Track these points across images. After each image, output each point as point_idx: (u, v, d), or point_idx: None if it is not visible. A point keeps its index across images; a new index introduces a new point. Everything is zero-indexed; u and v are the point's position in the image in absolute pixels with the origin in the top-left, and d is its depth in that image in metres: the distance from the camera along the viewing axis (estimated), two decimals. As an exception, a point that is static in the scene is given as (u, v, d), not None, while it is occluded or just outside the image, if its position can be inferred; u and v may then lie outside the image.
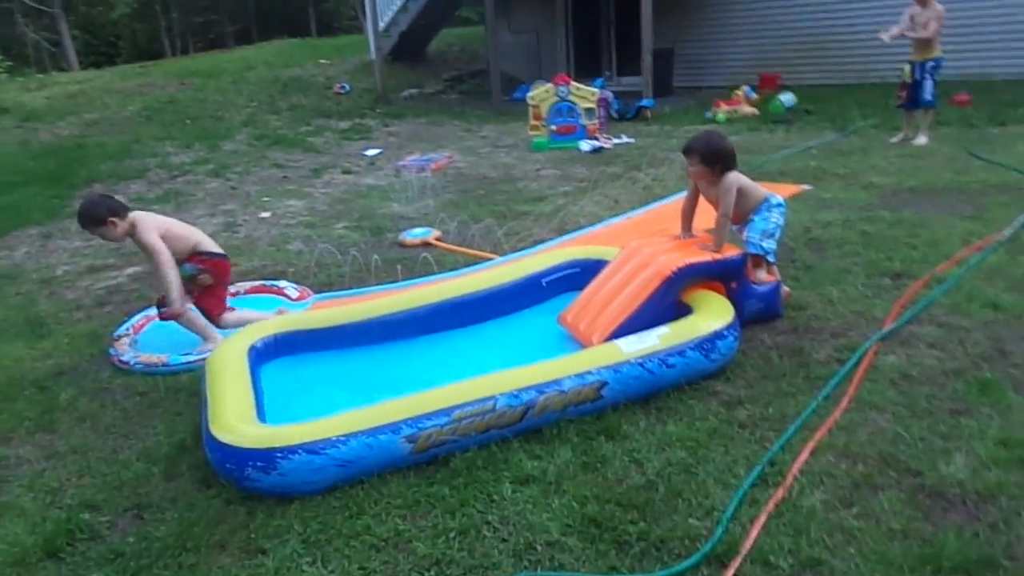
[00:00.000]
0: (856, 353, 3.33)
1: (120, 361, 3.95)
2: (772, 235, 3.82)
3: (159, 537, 2.53)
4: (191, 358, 3.86)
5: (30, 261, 6.24)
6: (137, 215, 4.02)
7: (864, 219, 5.27)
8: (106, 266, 5.93)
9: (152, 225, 3.98)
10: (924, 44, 7.49)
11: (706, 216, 3.89)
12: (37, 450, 3.21)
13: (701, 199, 3.94)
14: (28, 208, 7.99)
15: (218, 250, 4.17)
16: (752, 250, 3.76)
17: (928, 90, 7.60)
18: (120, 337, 4.22)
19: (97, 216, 3.92)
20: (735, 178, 3.76)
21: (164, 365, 3.86)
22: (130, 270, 5.76)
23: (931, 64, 7.54)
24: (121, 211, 3.95)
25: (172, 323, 4.13)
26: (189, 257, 4.07)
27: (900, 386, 3.08)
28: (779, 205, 3.89)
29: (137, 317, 4.51)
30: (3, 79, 16.23)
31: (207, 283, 4.12)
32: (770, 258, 3.84)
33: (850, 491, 2.46)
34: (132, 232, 3.97)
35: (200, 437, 3.01)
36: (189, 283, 4.08)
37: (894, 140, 8.06)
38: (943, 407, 2.90)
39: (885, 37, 7.52)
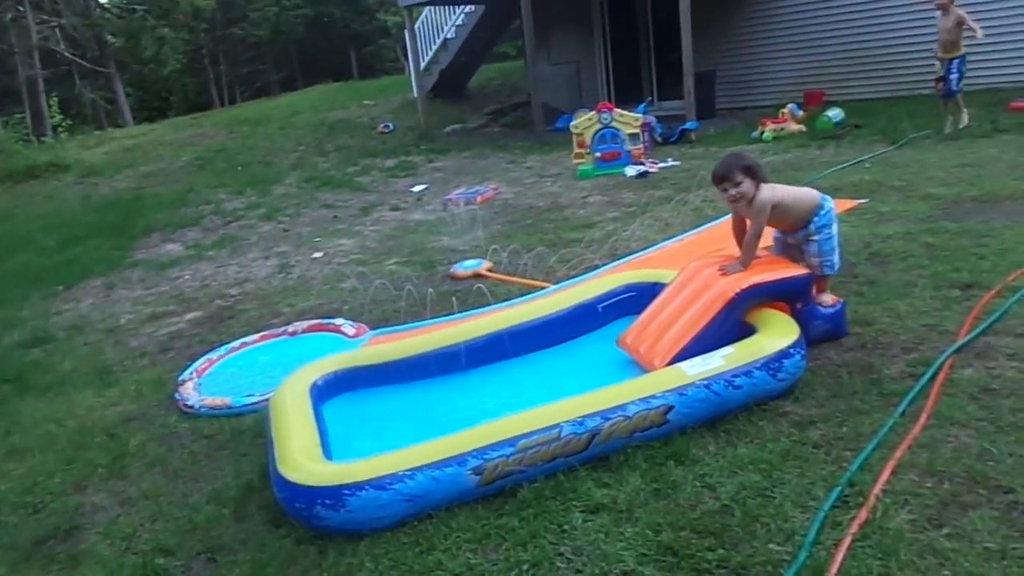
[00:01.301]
0: (931, 367, 3.20)
1: (185, 405, 4.02)
2: (835, 249, 3.68)
3: (232, 579, 2.54)
4: (254, 399, 3.90)
5: (95, 311, 6.41)
6: None
7: (926, 231, 5.11)
8: (167, 313, 6.06)
9: None
10: (950, 44, 8.56)
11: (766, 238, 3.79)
12: (111, 497, 3.27)
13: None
14: (91, 260, 8.26)
15: None
16: (826, 272, 3.64)
17: (954, 82, 8.64)
18: (184, 381, 4.30)
19: None
20: (768, 196, 3.54)
21: (228, 407, 3.91)
22: (190, 315, 5.89)
23: (957, 61, 8.58)
24: None
25: (234, 365, 4.20)
26: None
27: (981, 400, 2.95)
28: (828, 212, 3.64)
29: (200, 361, 4.59)
30: (64, 138, 16.86)
31: None
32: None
33: (938, 510, 2.35)
34: None
35: (267, 477, 3.02)
36: None
37: (947, 131, 8.80)
38: (1030, 420, 2.77)
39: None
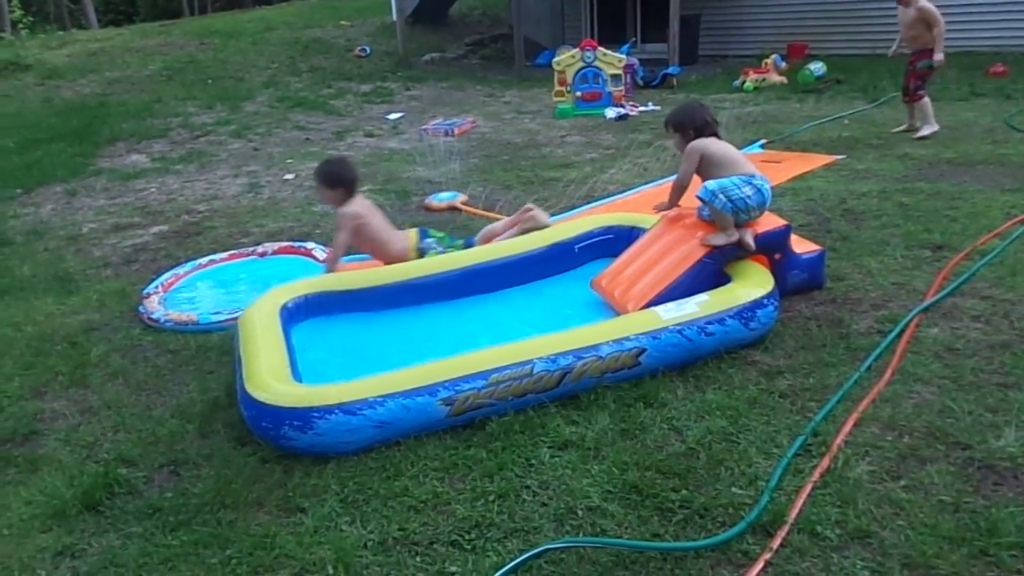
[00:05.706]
0: (898, 325, 3.26)
1: (150, 319, 3.94)
2: (730, 198, 3.35)
3: (196, 493, 2.53)
4: (221, 317, 3.84)
5: (56, 218, 6.23)
6: None
7: (901, 190, 5.16)
8: (132, 224, 5.91)
9: None
10: None
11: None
12: (71, 404, 3.22)
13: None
14: (52, 165, 7.98)
15: None
16: (700, 194, 3.43)
17: None
18: (149, 295, 4.21)
19: None
20: (700, 146, 3.56)
21: (194, 324, 3.84)
22: (155, 229, 5.75)
23: None
24: None
25: (202, 282, 4.11)
26: None
27: (945, 359, 3.01)
28: (761, 182, 3.45)
29: (166, 275, 4.50)
30: (24, 36, 16.10)
31: None
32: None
33: (897, 463, 2.42)
34: None
35: (234, 395, 3.00)
36: None
37: None
38: (990, 380, 2.83)
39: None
